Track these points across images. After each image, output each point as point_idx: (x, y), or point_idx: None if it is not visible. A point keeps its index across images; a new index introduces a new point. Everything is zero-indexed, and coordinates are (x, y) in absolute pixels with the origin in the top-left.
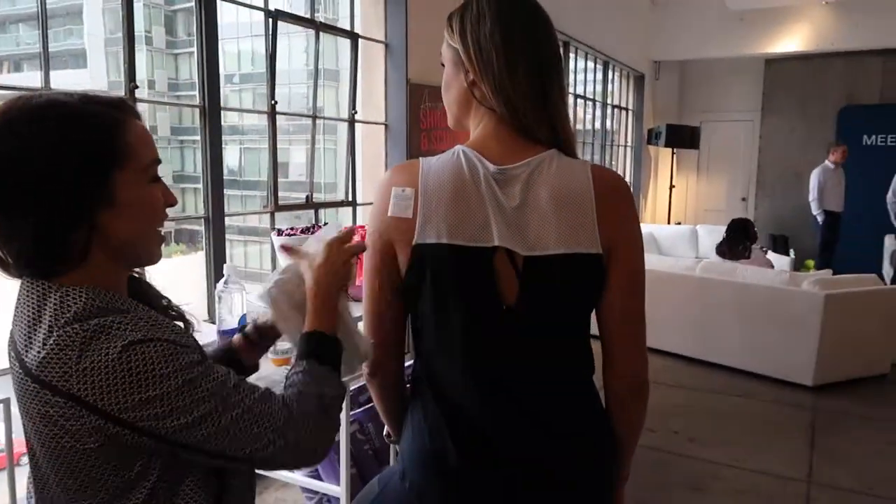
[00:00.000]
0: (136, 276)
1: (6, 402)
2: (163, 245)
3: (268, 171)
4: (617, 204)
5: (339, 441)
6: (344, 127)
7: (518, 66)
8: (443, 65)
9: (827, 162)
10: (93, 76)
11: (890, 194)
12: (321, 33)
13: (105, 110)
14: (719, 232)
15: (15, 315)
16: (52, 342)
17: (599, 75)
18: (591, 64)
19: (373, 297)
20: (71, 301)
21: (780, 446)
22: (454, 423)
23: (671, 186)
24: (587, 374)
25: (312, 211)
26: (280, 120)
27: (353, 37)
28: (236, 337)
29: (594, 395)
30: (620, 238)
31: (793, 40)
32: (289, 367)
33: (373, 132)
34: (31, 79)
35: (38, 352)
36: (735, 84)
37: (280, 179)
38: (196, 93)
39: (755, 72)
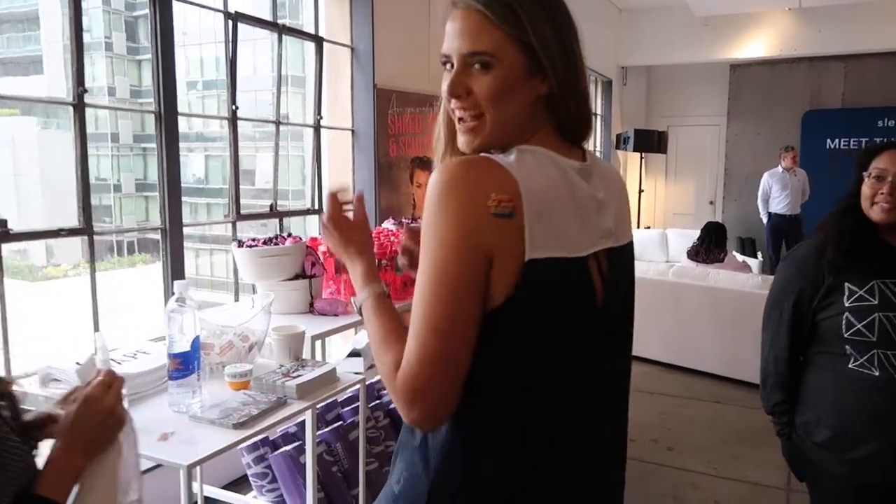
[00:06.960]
0: None
1: None
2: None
3: (228, 179)
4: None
5: (304, 463)
6: (310, 133)
7: (584, 70)
8: (488, 62)
9: (778, 167)
10: (49, 82)
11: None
12: (284, 36)
13: None
14: (689, 236)
15: None
16: None
17: None
18: None
19: (456, 323)
20: None
21: (759, 453)
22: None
23: (640, 191)
24: None
25: (277, 220)
26: (246, 126)
27: (318, 40)
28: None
29: None
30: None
31: (757, 46)
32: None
33: (339, 138)
34: None
35: None
36: (701, 89)
37: (247, 187)
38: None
39: (721, 77)
